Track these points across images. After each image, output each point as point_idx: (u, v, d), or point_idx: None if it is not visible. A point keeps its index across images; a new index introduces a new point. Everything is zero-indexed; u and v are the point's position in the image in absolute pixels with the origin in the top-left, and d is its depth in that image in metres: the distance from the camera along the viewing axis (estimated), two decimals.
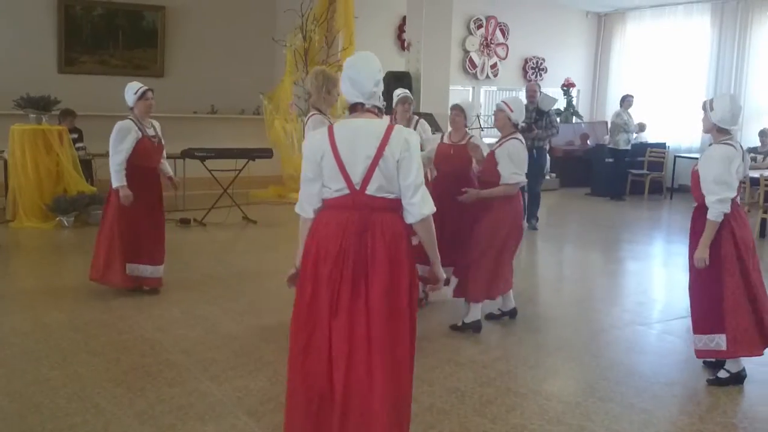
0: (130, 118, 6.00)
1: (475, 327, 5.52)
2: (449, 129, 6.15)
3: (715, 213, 4.44)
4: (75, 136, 10.07)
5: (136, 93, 5.97)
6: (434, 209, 3.16)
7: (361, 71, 3.23)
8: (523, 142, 5.53)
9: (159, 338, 5.19)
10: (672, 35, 14.50)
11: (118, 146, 5.89)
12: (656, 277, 8.03)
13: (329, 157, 3.11)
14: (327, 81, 5.18)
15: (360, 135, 3.12)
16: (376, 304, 3.06)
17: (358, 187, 3.09)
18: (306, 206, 3.23)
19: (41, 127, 9.17)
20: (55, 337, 5.14)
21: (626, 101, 12.90)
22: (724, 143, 4.52)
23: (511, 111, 5.47)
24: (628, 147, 12.94)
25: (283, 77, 12.21)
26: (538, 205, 10.11)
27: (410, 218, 3.13)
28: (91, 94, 11.30)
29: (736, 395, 4.53)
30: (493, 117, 5.77)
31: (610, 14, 15.87)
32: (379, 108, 3.27)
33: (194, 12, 12.44)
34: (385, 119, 3.58)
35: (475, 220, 5.48)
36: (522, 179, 5.47)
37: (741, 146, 4.59)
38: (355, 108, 3.24)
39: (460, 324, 5.55)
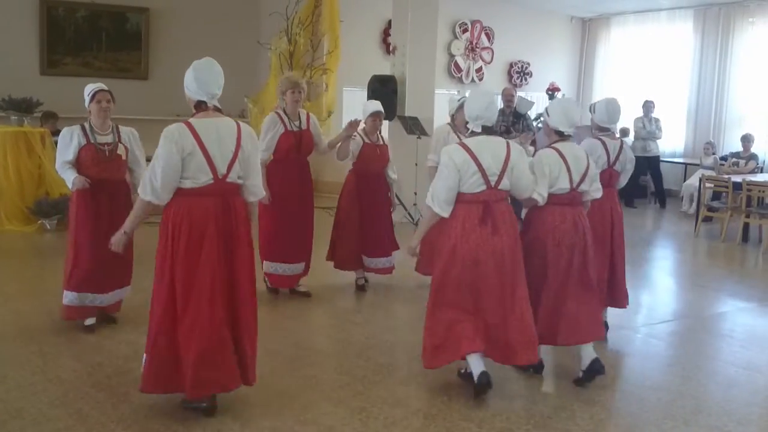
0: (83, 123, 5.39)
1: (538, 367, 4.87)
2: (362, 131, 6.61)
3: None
4: (57, 138, 9.97)
5: (89, 94, 5.47)
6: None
7: (210, 74, 3.92)
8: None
9: (143, 342, 5.11)
10: (655, 41, 14.61)
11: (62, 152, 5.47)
12: (640, 282, 8.05)
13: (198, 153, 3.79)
14: (281, 85, 6.15)
15: (222, 133, 3.85)
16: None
17: (221, 176, 3.83)
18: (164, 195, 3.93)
19: (23, 129, 9.09)
20: (36, 342, 5.08)
21: (646, 106, 12.96)
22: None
23: (548, 115, 4.80)
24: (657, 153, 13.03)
25: (268, 80, 12.19)
26: (521, 207, 10.11)
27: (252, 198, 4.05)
28: (74, 96, 11.11)
29: (721, 398, 4.55)
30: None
31: (594, 19, 15.96)
32: (218, 108, 3.96)
33: (178, 14, 12.40)
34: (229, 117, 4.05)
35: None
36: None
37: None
38: (200, 106, 3.91)
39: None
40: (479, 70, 14.82)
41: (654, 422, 4.16)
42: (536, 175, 4.49)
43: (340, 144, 6.34)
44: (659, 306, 6.95)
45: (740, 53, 13.29)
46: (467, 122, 4.45)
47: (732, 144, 12.93)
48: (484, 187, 4.23)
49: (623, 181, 5.64)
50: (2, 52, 11.08)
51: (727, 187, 10.12)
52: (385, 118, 10.71)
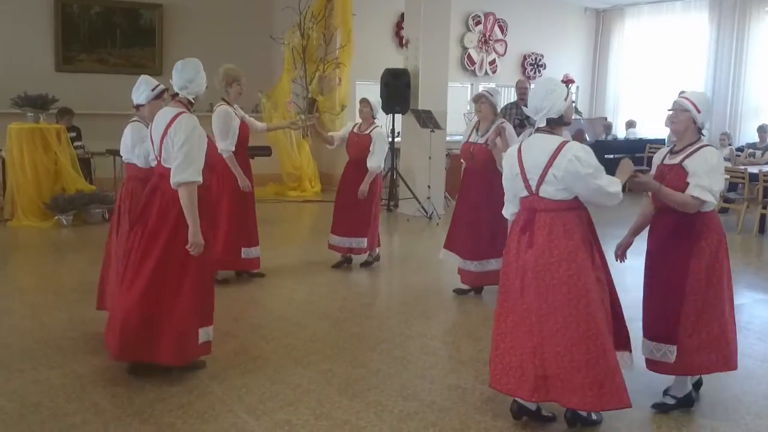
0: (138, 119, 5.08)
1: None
2: (358, 120, 7.17)
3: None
4: (73, 134, 10.05)
5: (153, 90, 4.96)
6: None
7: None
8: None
9: None
10: (670, 31, 14.51)
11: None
12: None
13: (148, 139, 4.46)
14: (225, 77, 6.19)
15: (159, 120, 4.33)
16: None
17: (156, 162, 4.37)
18: None
19: (39, 126, 9.15)
20: (53, 337, 5.12)
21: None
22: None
23: (698, 111, 4.13)
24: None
25: (281, 75, 12.20)
26: None
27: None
28: (89, 92, 11.30)
29: (738, 391, 4.51)
30: (670, 120, 4.24)
31: (608, 10, 15.86)
32: (189, 101, 4.43)
33: (191, 9, 12.42)
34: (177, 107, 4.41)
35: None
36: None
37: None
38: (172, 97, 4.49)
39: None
40: (493, 62, 14.76)
41: (670, 414, 4.13)
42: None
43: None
44: None
45: (756, 43, 13.18)
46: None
47: (748, 135, 12.83)
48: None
49: None
50: (18, 50, 11.14)
51: (743, 178, 10.04)
52: (398, 112, 10.79)
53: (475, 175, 6.19)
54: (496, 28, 14.72)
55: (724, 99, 13.57)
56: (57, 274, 6.94)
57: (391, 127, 10.96)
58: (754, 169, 10.00)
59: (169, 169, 4.20)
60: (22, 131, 9.00)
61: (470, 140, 6.21)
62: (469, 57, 14.46)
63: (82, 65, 11.78)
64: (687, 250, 4.06)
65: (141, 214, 4.37)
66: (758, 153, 11.57)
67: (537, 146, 3.68)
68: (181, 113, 4.30)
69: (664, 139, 13.95)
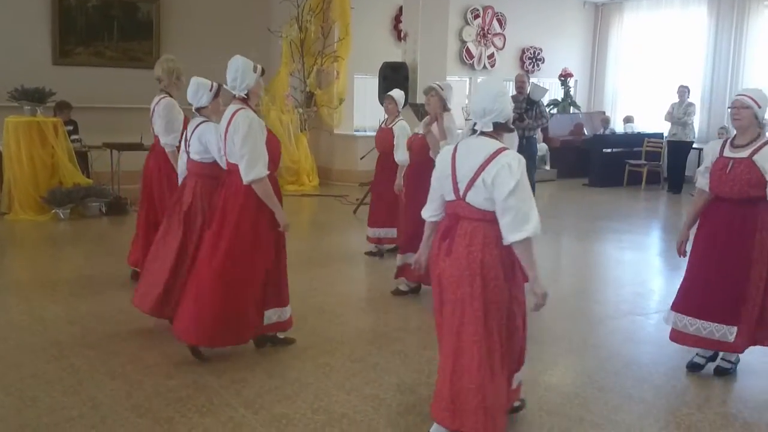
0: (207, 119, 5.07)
1: None
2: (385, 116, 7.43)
3: None
4: (70, 128, 10.03)
5: (211, 90, 5.08)
6: None
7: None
8: None
9: (156, 331, 5.16)
10: (669, 25, 14.48)
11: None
12: (653, 267, 8.03)
13: None
14: (177, 70, 6.15)
15: None
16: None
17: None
18: None
19: (36, 119, 9.12)
20: (51, 330, 5.12)
21: (680, 91, 12.82)
22: None
23: (759, 107, 4.43)
24: (686, 139, 12.85)
25: (279, 68, 12.17)
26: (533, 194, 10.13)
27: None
28: (86, 86, 11.26)
29: (734, 385, 4.52)
30: (732, 116, 4.56)
31: (607, 4, 15.83)
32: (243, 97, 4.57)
33: (189, 3, 12.38)
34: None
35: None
36: None
37: None
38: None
39: None
40: (491, 56, 14.75)
41: (667, 408, 4.14)
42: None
43: None
44: (673, 292, 6.86)
45: (755, 37, 13.17)
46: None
47: None
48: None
49: None
50: (15, 43, 11.10)
51: None
52: None
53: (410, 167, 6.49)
54: (495, 22, 14.69)
55: (723, 93, 13.56)
56: (54, 267, 6.93)
57: None
58: None
59: (234, 164, 4.41)
60: (19, 124, 8.98)
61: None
62: (468, 51, 14.44)
63: (79, 58, 11.73)
64: (751, 237, 4.34)
65: (210, 208, 4.68)
66: None
67: (474, 149, 3.35)
68: (238, 110, 4.45)
69: (662, 134, 13.95)
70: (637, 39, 15.21)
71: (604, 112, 15.33)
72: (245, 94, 4.54)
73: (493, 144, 3.32)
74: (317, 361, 4.70)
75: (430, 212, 3.62)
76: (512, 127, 3.47)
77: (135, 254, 6.15)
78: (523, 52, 15.14)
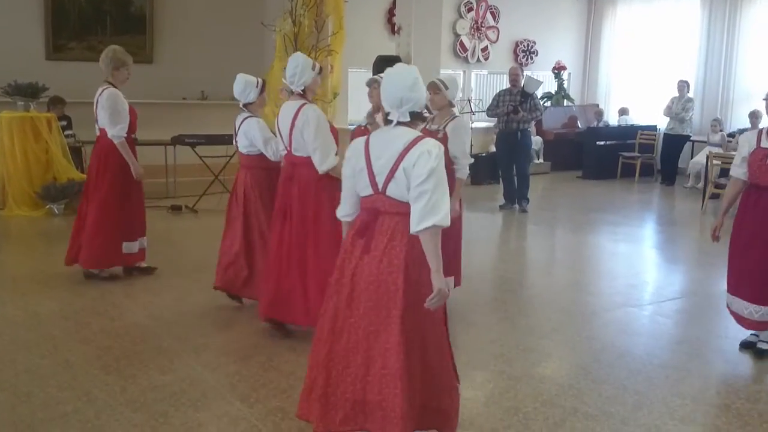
0: (255, 115, 5.48)
1: None
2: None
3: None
4: (64, 123, 10.00)
5: (257, 86, 5.51)
6: None
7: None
8: None
9: (151, 325, 5.17)
10: (662, 17, 14.47)
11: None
12: (647, 260, 8.05)
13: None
14: (115, 60, 6.06)
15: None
16: None
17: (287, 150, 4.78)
18: None
19: (29, 115, 9.10)
20: (45, 326, 5.12)
21: (679, 86, 12.80)
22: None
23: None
24: (684, 132, 12.85)
25: (272, 62, 12.13)
26: (527, 187, 10.18)
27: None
28: (80, 80, 11.17)
29: (727, 376, 4.54)
30: None
31: None
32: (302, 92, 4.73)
33: None
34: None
35: None
36: None
37: None
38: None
39: None
40: (485, 49, 14.72)
41: (661, 400, 4.16)
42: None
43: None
44: (666, 284, 6.93)
45: (748, 29, 13.16)
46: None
47: (740, 120, 12.83)
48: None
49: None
50: (7, 38, 11.04)
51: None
52: None
53: None
54: (489, 15, 14.66)
55: (716, 85, 13.56)
56: (48, 263, 6.91)
57: None
58: None
59: (302, 157, 4.68)
60: (12, 120, 8.95)
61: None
62: (462, 44, 14.42)
63: (72, 53, 11.67)
64: None
65: (282, 204, 4.78)
66: None
67: (391, 140, 3.09)
68: (302, 105, 4.67)
69: (656, 126, 13.97)
70: (630, 32, 15.19)
71: (597, 105, 15.34)
72: (302, 90, 4.72)
73: (412, 132, 3.10)
74: None
75: (345, 211, 3.33)
76: (425, 116, 3.50)
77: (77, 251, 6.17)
78: (517, 45, 15.13)
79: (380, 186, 3.09)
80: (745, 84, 13.23)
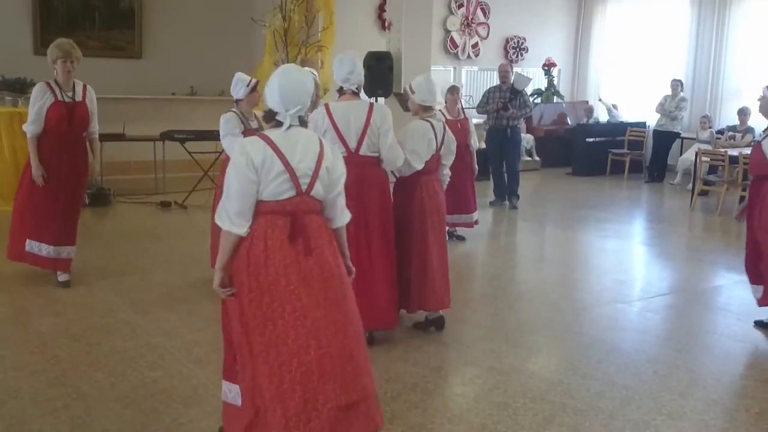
0: (234, 111, 5.69)
1: None
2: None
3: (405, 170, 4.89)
4: None
5: (248, 85, 5.72)
6: None
7: (342, 65, 4.63)
8: None
9: (140, 322, 5.16)
10: (651, 14, 14.51)
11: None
12: (636, 256, 8.09)
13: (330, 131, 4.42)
14: (50, 53, 5.94)
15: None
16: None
17: (353, 150, 4.49)
18: None
19: (17, 110, 9.03)
20: (34, 322, 5.10)
21: (672, 85, 12.81)
22: (424, 120, 5.00)
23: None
24: (674, 129, 12.88)
25: (262, 58, 12.10)
26: (518, 183, 10.21)
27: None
28: None
29: (715, 371, 4.57)
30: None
31: None
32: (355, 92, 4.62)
33: None
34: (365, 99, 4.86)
35: None
36: None
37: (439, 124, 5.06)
38: (341, 91, 4.72)
39: None
40: (475, 45, 14.73)
41: (650, 395, 4.18)
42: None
43: None
44: (655, 279, 6.96)
45: (737, 26, 13.22)
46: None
47: (728, 117, 12.89)
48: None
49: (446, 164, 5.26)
50: None
51: (723, 160, 10.12)
52: (380, 95, 10.77)
53: None
54: (479, 11, 14.67)
55: (705, 82, 13.61)
56: None
57: None
58: (734, 152, 10.07)
59: (373, 157, 4.64)
60: (0, 116, 8.89)
61: None
62: (452, 40, 14.43)
63: None
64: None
65: (361, 205, 4.52)
66: (738, 136, 11.65)
67: (301, 141, 3.08)
68: (371, 104, 4.72)
69: (645, 123, 14.01)
70: (620, 29, 15.23)
71: (587, 102, 15.37)
72: (356, 89, 4.70)
73: (311, 133, 3.21)
74: None
75: (245, 223, 3.02)
76: (306, 120, 3.27)
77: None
78: (507, 41, 15.14)
79: (304, 187, 3.03)
80: (734, 81, 13.29)
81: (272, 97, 3.12)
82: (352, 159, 4.35)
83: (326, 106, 4.59)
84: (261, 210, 3.02)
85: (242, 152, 2.99)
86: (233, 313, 3.11)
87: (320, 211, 3.13)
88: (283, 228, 3.01)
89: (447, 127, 5.21)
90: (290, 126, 3.07)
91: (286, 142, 3.04)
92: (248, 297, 3.00)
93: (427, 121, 5.00)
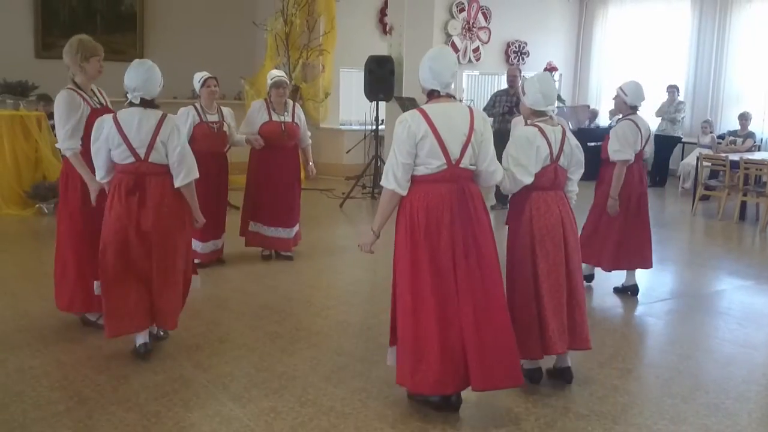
0: (194, 105, 6.69)
1: None
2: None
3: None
4: (53, 122, 9.95)
5: (199, 81, 6.77)
6: None
7: (442, 62, 3.96)
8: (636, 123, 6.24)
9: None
10: (653, 19, 14.54)
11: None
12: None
13: (430, 137, 3.73)
14: (83, 49, 4.99)
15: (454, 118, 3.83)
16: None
17: (454, 161, 3.76)
18: (403, 183, 3.78)
19: (19, 113, 9.06)
20: (35, 325, 5.09)
21: (669, 91, 12.84)
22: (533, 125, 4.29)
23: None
24: (675, 134, 12.89)
25: (264, 62, 12.13)
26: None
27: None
28: (68, 79, 11.16)
29: (716, 376, 4.57)
30: None
31: None
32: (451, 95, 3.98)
33: None
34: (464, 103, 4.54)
35: None
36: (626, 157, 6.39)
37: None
38: (432, 94, 3.96)
39: None
40: (476, 50, 14.74)
41: (652, 400, 4.18)
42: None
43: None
44: (657, 285, 6.95)
45: (738, 31, 13.24)
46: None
47: (729, 122, 12.90)
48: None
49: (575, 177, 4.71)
50: None
51: (724, 165, 10.12)
52: (382, 99, 10.79)
53: (290, 151, 7.05)
54: (480, 16, 14.68)
55: (706, 87, 13.63)
56: (38, 262, 6.88)
57: (375, 114, 10.95)
58: (735, 157, 10.07)
59: (471, 170, 4.00)
60: (1, 119, 8.90)
61: (275, 120, 6.87)
62: (453, 44, 14.42)
63: (62, 51, 11.64)
64: None
65: (449, 241, 3.84)
66: (739, 140, 11.66)
67: (143, 117, 4.37)
68: (471, 108, 4.25)
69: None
70: (621, 33, 15.25)
71: (588, 106, 15.37)
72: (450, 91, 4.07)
73: (155, 110, 4.40)
74: (304, 354, 4.70)
75: (103, 176, 4.48)
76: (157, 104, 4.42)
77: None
78: (509, 45, 15.15)
79: (143, 155, 4.31)
80: (735, 86, 13.30)
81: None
82: (453, 173, 3.77)
83: (420, 109, 3.91)
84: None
85: (102, 127, 4.29)
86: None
87: (165, 173, 4.36)
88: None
89: (569, 133, 4.42)
90: (134, 104, 4.36)
91: (133, 118, 4.31)
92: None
93: (536, 126, 4.24)
